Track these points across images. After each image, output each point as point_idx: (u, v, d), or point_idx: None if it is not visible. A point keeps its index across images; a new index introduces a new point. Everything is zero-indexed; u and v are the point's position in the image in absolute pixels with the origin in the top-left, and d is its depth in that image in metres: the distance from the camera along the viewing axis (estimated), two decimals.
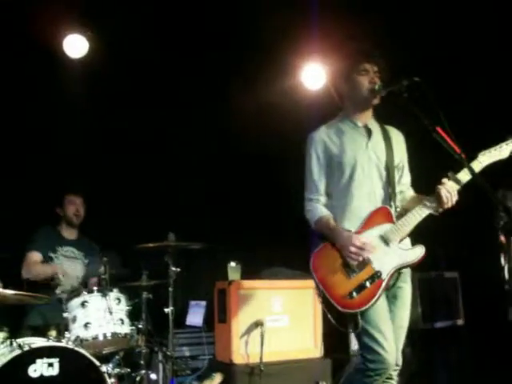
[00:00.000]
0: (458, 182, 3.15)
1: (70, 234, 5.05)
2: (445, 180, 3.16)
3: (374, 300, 3.05)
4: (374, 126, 3.40)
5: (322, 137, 3.34)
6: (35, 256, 4.80)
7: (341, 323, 3.17)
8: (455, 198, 3.14)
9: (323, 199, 3.33)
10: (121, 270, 4.58)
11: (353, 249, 3.07)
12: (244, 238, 6.10)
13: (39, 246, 4.84)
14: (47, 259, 4.83)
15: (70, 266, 4.89)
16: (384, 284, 3.10)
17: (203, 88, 6.03)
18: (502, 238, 4.11)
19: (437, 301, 5.99)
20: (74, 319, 4.01)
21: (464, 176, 3.14)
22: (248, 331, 4.63)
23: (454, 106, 4.73)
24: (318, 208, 3.29)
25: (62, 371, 3.58)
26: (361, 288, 3.07)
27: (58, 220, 5.05)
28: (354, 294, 3.06)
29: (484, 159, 3.16)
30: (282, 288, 4.87)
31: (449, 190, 3.11)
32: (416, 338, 5.65)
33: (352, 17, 5.24)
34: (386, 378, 3.16)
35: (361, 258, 3.09)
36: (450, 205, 3.13)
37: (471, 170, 3.00)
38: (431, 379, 5.53)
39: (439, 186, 3.13)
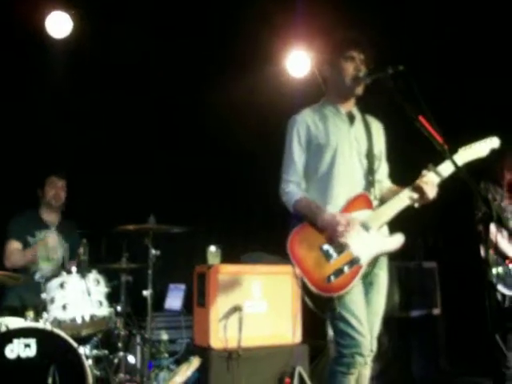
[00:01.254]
0: (438, 174, 3.17)
1: (50, 217, 5.00)
2: (425, 172, 3.19)
3: (351, 285, 3.06)
4: (356, 113, 3.40)
5: (306, 119, 3.31)
6: (14, 245, 4.78)
7: (317, 307, 3.18)
8: (435, 191, 3.15)
9: (302, 181, 3.30)
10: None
11: (340, 227, 3.05)
12: (224, 222, 6.12)
13: (16, 234, 4.81)
14: (26, 245, 4.80)
15: (49, 250, 4.85)
16: (362, 270, 3.11)
17: (185, 74, 6.01)
18: (481, 229, 4.18)
19: (414, 290, 6.04)
20: (52, 300, 3.99)
21: (445, 169, 3.17)
22: (226, 316, 4.62)
23: (439, 96, 4.78)
24: (296, 190, 3.26)
25: (39, 352, 3.58)
26: (339, 272, 3.06)
27: (39, 202, 5.00)
28: (332, 277, 3.05)
29: (464, 155, 3.18)
30: (262, 273, 4.86)
31: (428, 183, 3.13)
32: (393, 326, 5.71)
33: (338, 2, 5.23)
34: None
35: (347, 237, 3.08)
36: (429, 198, 3.15)
37: (452, 160, 2.99)
38: (407, 367, 5.59)
39: (419, 179, 3.16)
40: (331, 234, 3.09)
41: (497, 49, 5.46)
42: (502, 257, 4.68)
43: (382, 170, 3.45)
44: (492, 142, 3.33)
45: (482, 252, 4.49)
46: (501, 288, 4.57)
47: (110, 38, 5.51)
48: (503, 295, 4.58)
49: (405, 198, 3.19)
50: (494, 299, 2.90)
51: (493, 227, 4.56)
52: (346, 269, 3.07)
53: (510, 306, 4.56)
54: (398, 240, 3.21)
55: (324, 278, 3.05)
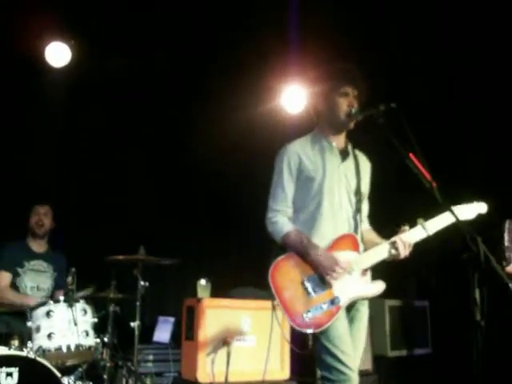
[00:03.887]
0: (425, 230, 3.18)
1: (38, 246, 5.00)
2: (405, 228, 3.19)
3: (326, 325, 3.01)
4: (347, 149, 3.39)
5: (297, 150, 3.28)
6: (4, 277, 4.77)
7: (299, 341, 3.15)
8: (408, 251, 3.15)
9: (290, 212, 3.25)
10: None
11: (336, 267, 3.03)
12: (215, 255, 6.10)
13: (6, 264, 4.80)
14: (15, 275, 4.79)
15: (38, 279, 4.86)
16: (340, 311, 3.06)
17: (179, 107, 6.06)
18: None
19: (405, 329, 6.00)
20: (38, 329, 3.94)
21: (433, 226, 3.18)
22: (215, 350, 4.59)
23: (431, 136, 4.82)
24: (286, 221, 3.22)
25: (21, 381, 3.52)
26: (317, 309, 3.02)
27: (27, 232, 5.00)
28: (310, 314, 3.00)
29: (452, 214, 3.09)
30: (251, 308, 4.84)
31: (405, 243, 3.13)
32: (383, 365, 5.66)
33: (333, 38, 5.29)
34: None
35: (338, 277, 3.05)
36: (401, 257, 3.14)
37: (441, 199, 2.95)
38: None
39: (397, 235, 3.16)
40: (322, 271, 3.07)
41: (489, 88, 5.52)
42: None
43: (364, 208, 3.43)
44: (480, 207, 3.35)
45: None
46: None
47: (107, 67, 5.57)
48: None
49: (384, 252, 3.18)
50: (480, 340, 2.86)
51: None
52: (324, 307, 3.03)
53: None
54: (378, 287, 3.19)
55: (302, 312, 3.02)
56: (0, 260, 4.81)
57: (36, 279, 4.86)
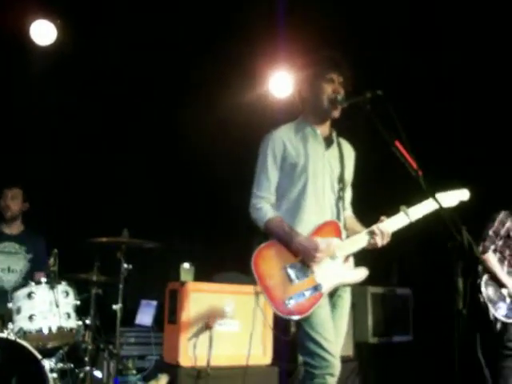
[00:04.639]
0: (408, 216, 3.19)
1: (10, 229, 4.98)
2: (383, 218, 3.20)
3: (309, 312, 3.02)
4: (331, 136, 3.38)
5: (282, 136, 3.27)
6: None
7: (281, 327, 3.16)
8: (385, 241, 3.17)
9: (273, 199, 3.26)
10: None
11: (317, 252, 3.04)
12: (199, 239, 6.09)
13: None
14: None
15: (9, 261, 4.84)
16: (322, 298, 3.07)
17: (164, 91, 6.02)
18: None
19: (387, 316, 6.04)
20: (19, 310, 3.93)
21: (415, 212, 3.19)
22: (197, 334, 4.58)
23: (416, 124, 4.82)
24: (269, 208, 3.22)
25: (2, 363, 3.53)
26: (299, 296, 3.03)
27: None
28: (292, 301, 3.01)
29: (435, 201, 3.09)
30: (234, 293, 4.84)
31: (383, 232, 3.14)
32: (364, 351, 5.69)
33: (320, 25, 5.26)
34: None
35: (320, 262, 3.06)
36: (378, 246, 3.16)
37: (425, 185, 2.93)
38: None
39: (376, 225, 3.17)
40: (305, 256, 3.07)
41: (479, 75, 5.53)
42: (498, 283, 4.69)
43: (347, 196, 3.44)
44: (463, 194, 3.37)
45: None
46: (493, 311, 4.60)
47: (93, 46, 5.50)
48: (495, 319, 4.60)
49: (363, 241, 3.19)
50: (461, 328, 2.88)
51: (492, 256, 4.64)
52: (306, 294, 3.04)
53: (501, 330, 4.58)
54: (361, 274, 3.20)
55: (284, 299, 3.02)
56: None
57: (6, 261, 4.85)
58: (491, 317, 4.58)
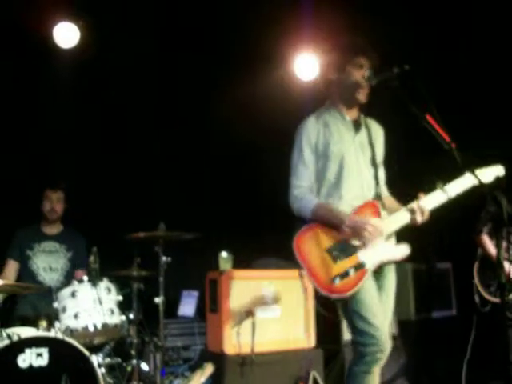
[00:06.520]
0: (445, 193, 3.19)
1: (50, 229, 5.04)
2: (421, 195, 3.19)
3: (355, 288, 3.05)
4: (359, 119, 3.41)
5: (314, 125, 3.32)
6: (10, 265, 4.86)
7: (329, 308, 3.19)
8: (426, 217, 3.16)
9: (314, 187, 3.31)
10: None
11: (370, 228, 3.06)
12: (236, 227, 6.10)
13: (14, 253, 4.88)
14: (24, 258, 4.86)
15: (49, 260, 4.92)
16: (367, 274, 3.10)
17: (191, 79, 6.01)
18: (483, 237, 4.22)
19: (429, 292, 5.99)
20: (64, 309, 4.00)
21: (453, 188, 3.18)
22: (239, 321, 4.60)
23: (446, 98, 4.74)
24: (312, 196, 3.26)
25: (52, 361, 3.58)
26: (344, 275, 3.06)
27: (40, 217, 5.04)
28: (337, 280, 3.05)
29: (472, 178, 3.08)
30: (274, 278, 4.84)
31: (423, 210, 3.14)
32: (408, 328, 5.66)
33: (346, 5, 5.21)
34: None
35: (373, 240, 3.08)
36: (419, 223, 3.16)
37: (459, 158, 2.92)
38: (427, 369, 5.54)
39: (415, 202, 3.16)
40: (360, 234, 3.08)
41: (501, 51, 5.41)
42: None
43: (381, 176, 3.46)
44: (498, 170, 3.33)
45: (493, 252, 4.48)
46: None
47: (116, 47, 5.53)
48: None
49: (403, 219, 3.20)
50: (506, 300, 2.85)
51: (487, 239, 4.60)
52: (351, 272, 3.08)
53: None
54: (403, 251, 3.21)
55: (329, 279, 3.06)
56: (9, 248, 4.90)
57: (47, 260, 4.91)
58: None
